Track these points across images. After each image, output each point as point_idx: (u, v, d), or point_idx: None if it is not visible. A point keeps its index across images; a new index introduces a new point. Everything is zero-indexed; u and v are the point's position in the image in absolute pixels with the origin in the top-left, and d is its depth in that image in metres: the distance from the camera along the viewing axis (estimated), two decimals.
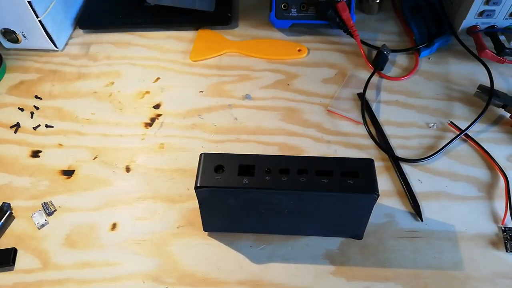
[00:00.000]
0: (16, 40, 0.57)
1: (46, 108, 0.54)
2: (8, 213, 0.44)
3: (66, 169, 0.48)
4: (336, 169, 0.35)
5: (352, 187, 0.35)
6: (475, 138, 0.48)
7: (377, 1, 0.60)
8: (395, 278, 0.39)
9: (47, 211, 0.44)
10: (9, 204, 0.45)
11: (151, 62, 0.58)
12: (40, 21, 0.55)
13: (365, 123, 0.50)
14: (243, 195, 0.37)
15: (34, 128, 0.52)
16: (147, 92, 0.55)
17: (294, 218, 0.39)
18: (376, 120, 0.51)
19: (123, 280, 0.40)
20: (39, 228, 0.43)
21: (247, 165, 0.36)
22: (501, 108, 0.50)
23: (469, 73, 0.55)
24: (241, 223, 0.42)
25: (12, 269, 0.41)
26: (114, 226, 0.44)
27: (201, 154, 0.37)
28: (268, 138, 0.50)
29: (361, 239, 0.41)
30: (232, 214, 0.40)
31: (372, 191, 0.35)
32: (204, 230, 0.42)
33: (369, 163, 0.36)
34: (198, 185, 0.35)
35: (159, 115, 0.52)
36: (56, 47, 0.59)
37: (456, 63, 0.56)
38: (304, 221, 0.40)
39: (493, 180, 0.45)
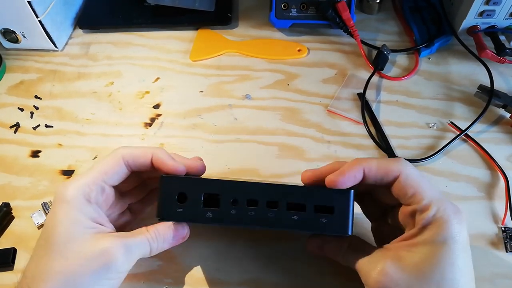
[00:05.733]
0: (16, 40, 0.57)
1: (46, 108, 0.54)
2: (7, 213, 0.44)
3: (66, 169, 0.48)
4: (310, 202, 0.33)
5: (323, 226, 0.33)
6: (475, 138, 0.48)
7: (377, 1, 0.60)
8: None
9: (47, 211, 0.44)
10: (8, 204, 0.45)
11: (151, 62, 0.58)
12: (40, 21, 0.54)
13: (365, 123, 0.50)
14: (208, 224, 0.36)
15: (34, 128, 0.52)
16: (147, 92, 0.55)
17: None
18: (376, 120, 0.51)
19: None
20: (38, 228, 0.43)
21: (212, 193, 0.33)
22: (501, 108, 0.50)
23: (469, 73, 0.55)
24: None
25: (12, 269, 0.41)
26: None
27: (161, 177, 0.34)
28: (268, 138, 0.50)
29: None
30: None
31: (343, 232, 0.33)
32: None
33: (346, 196, 0.33)
34: (159, 218, 0.34)
35: (159, 115, 0.52)
36: (56, 47, 0.59)
37: (456, 63, 0.56)
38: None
39: (493, 180, 0.45)
